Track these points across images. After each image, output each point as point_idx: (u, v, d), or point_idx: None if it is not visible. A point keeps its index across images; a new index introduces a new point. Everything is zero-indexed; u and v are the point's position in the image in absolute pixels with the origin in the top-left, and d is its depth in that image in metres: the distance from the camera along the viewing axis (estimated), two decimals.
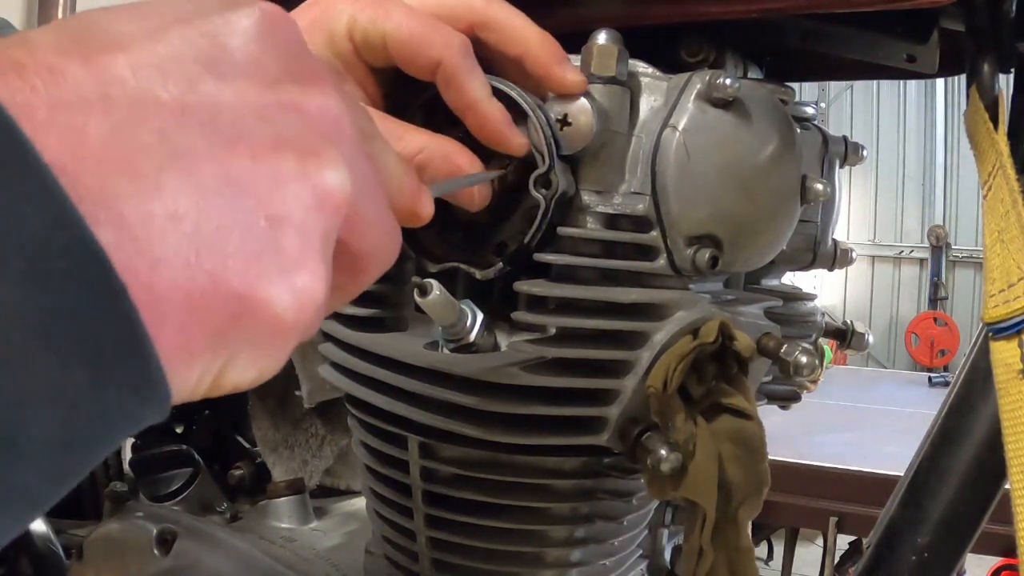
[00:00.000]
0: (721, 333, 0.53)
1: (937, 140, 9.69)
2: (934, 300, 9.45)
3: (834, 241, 0.70)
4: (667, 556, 0.80)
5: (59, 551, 1.10)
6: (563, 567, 0.63)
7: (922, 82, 6.12)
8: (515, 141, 0.49)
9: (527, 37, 0.50)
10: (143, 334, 0.24)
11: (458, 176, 0.47)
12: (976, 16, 0.64)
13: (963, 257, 9.39)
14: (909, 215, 9.88)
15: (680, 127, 0.52)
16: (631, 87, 0.53)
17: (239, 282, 0.26)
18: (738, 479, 0.54)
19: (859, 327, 0.71)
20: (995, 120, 0.60)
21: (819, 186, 0.57)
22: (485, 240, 0.53)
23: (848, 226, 9.52)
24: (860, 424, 4.51)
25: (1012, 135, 0.60)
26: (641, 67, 0.55)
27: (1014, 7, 0.64)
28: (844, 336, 0.70)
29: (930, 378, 7.42)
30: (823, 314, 0.69)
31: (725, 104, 0.52)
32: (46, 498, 0.24)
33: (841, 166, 0.69)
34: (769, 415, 0.59)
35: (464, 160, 0.48)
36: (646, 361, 0.54)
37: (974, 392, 0.78)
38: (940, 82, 8.96)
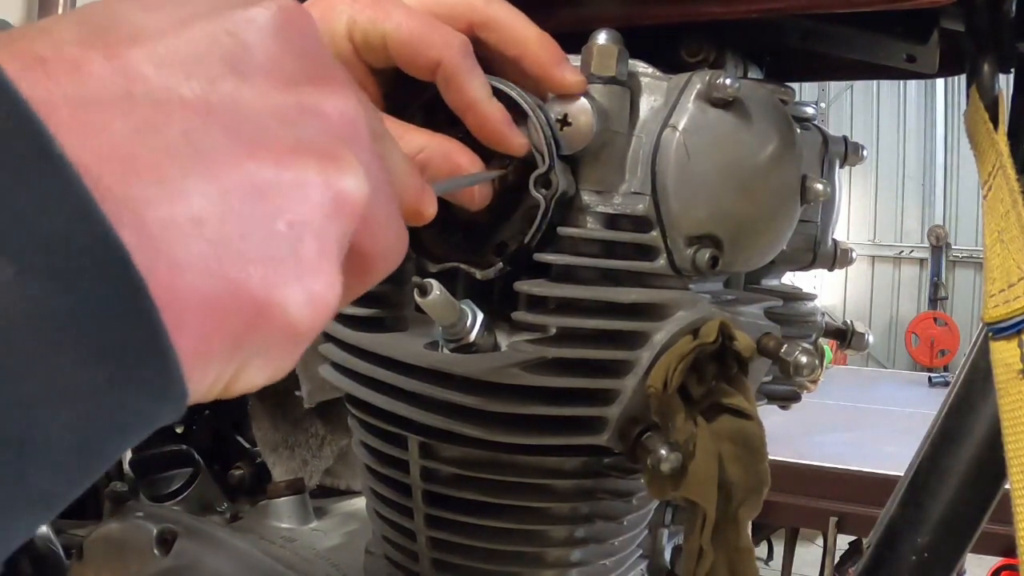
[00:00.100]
0: (721, 333, 0.53)
1: (937, 140, 9.69)
2: (934, 300, 9.45)
3: (834, 241, 0.70)
4: (667, 556, 0.80)
5: (59, 551, 1.10)
6: (563, 567, 0.63)
7: (922, 82, 6.11)
8: (515, 141, 0.49)
9: (527, 37, 0.50)
10: (163, 333, 0.24)
11: (458, 175, 0.47)
12: (976, 16, 0.64)
13: (963, 257, 9.40)
14: (909, 215, 9.88)
15: (680, 127, 0.52)
16: (631, 87, 0.53)
17: (258, 289, 0.26)
18: (738, 479, 0.54)
19: (859, 327, 0.71)
20: (995, 120, 0.60)
21: (819, 186, 0.57)
22: (485, 240, 0.53)
23: (848, 226, 9.52)
24: (860, 424, 4.51)
25: (1012, 135, 0.60)
26: (641, 67, 0.55)
27: (1014, 7, 0.64)
28: (844, 336, 0.70)
29: (930, 378, 7.43)
30: (823, 314, 0.69)
31: (725, 104, 0.52)
32: (61, 498, 0.23)
33: (841, 166, 0.69)
34: (769, 415, 0.59)
35: (464, 159, 0.48)
36: (646, 361, 0.54)
37: (974, 392, 0.78)
38: (940, 82, 8.96)
